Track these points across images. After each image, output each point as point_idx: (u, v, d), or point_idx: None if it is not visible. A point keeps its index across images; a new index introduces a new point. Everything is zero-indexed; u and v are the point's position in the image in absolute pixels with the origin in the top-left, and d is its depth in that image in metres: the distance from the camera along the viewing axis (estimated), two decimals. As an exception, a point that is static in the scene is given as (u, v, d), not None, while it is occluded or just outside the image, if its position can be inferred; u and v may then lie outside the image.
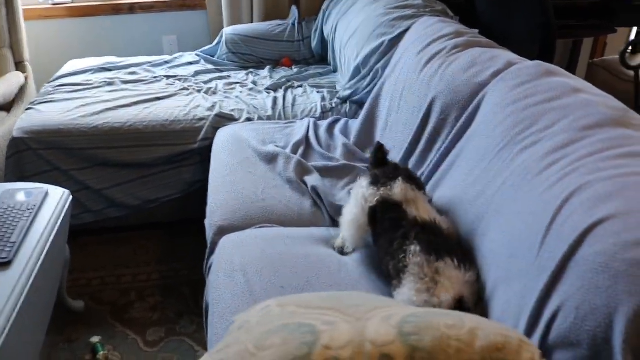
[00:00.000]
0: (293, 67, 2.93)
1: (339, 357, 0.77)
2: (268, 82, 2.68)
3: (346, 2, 2.78)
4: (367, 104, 2.18)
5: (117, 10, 3.27)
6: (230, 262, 1.49)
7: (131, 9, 3.27)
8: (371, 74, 2.30)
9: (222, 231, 1.68)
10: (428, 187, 1.62)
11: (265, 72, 2.86)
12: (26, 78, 2.92)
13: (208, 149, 2.29)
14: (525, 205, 1.16)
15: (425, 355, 0.73)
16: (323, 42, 3.00)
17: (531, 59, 1.61)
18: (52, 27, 3.25)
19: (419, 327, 0.76)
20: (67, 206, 1.86)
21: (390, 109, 2.02)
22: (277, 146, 2.06)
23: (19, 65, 2.97)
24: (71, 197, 1.90)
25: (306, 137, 2.11)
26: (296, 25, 3.05)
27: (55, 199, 1.85)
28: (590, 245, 0.94)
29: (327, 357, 0.77)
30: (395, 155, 1.83)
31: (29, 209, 1.75)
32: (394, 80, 2.07)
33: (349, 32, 2.55)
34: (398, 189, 1.41)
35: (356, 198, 1.49)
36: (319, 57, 3.07)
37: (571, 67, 3.51)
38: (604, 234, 0.93)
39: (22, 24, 2.98)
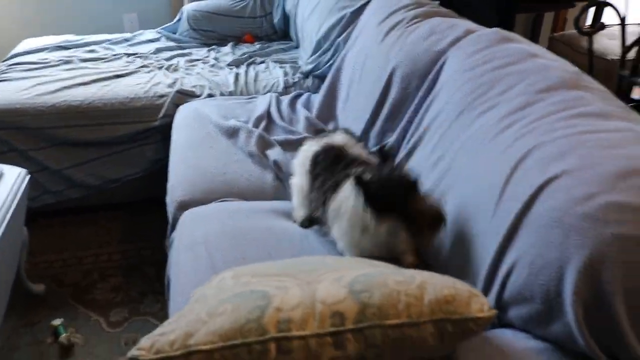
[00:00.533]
0: (255, 44, 2.89)
1: (290, 318, 0.76)
2: (230, 59, 2.64)
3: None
4: (328, 78, 2.17)
5: (71, -12, 3.18)
6: (191, 237, 1.47)
7: (87, -15, 3.19)
8: (332, 48, 2.28)
9: (183, 206, 1.65)
10: (398, 157, 1.62)
11: (227, 48, 2.81)
12: (-21, 57, 2.83)
13: (170, 126, 2.24)
14: (482, 168, 1.16)
15: (376, 310, 0.72)
16: (285, 17, 2.97)
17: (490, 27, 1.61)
18: (5, 4, 3.14)
19: (369, 285, 0.76)
20: (23, 186, 1.80)
21: (351, 81, 2.00)
22: (238, 121, 2.03)
23: (-29, 45, 2.88)
24: (28, 176, 1.85)
25: (268, 112, 2.08)
26: (258, 1, 3.00)
27: (10, 179, 1.79)
28: (543, 202, 0.95)
29: (278, 318, 0.77)
30: (356, 126, 1.82)
31: (-19, 191, 1.70)
32: (354, 53, 2.05)
33: (311, 7, 2.53)
34: (340, 136, 1.47)
35: (298, 164, 1.51)
36: (282, 33, 3.04)
37: (533, 41, 3.54)
38: (556, 190, 0.94)
39: (-27, 2, 2.88)
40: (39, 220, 2.37)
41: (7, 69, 2.51)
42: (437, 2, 2.03)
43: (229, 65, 2.57)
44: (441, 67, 1.56)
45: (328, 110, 2.08)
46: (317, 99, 2.16)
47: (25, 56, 2.65)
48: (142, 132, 2.26)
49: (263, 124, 2.00)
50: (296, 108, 2.14)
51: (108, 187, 2.32)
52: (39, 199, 2.27)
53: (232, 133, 1.96)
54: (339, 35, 2.26)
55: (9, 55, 2.71)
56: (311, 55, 2.39)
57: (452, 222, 1.19)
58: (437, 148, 1.38)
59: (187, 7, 2.94)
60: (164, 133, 2.28)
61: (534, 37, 3.54)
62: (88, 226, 2.39)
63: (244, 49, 2.81)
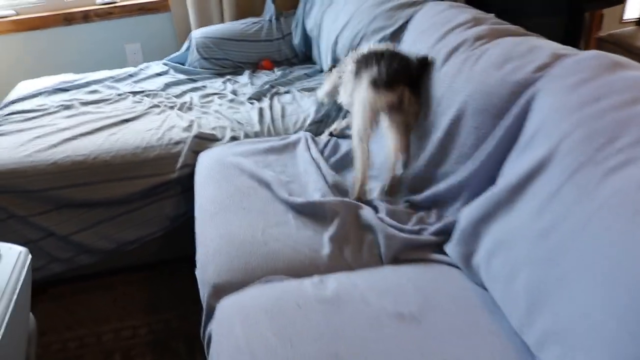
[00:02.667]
0: (275, 70, 2.60)
1: None
2: (250, 90, 2.35)
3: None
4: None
5: (69, 20, 2.89)
6: (233, 339, 1.17)
7: (86, 17, 2.90)
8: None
9: (219, 291, 1.36)
10: (466, 210, 1.32)
11: (244, 78, 2.52)
12: (-29, 107, 2.55)
13: (190, 176, 1.96)
14: (628, 257, 0.86)
15: None
16: (306, 38, 2.66)
17: (552, 34, 1.31)
18: (-3, 44, 2.87)
19: None
20: (25, 270, 1.51)
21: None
22: (273, 171, 1.74)
23: (-38, 93, 2.60)
24: (30, 256, 1.56)
25: (309, 157, 1.79)
26: (274, 21, 2.71)
27: (9, 263, 1.50)
28: None
29: None
30: (415, 165, 1.55)
31: (-24, 282, 1.41)
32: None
33: (338, 27, 2.23)
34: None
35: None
36: (303, 56, 2.74)
37: (575, 44, 3.23)
38: None
39: (-40, 45, 2.60)
40: (48, 290, 2.10)
41: (1, 120, 2.23)
42: (493, 15, 1.72)
43: (250, 99, 2.27)
44: (528, 103, 1.26)
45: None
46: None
47: (21, 103, 2.37)
48: (158, 186, 1.96)
49: (310, 173, 1.71)
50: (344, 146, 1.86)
51: (125, 249, 2.03)
52: (46, 268, 1.99)
53: (267, 188, 1.67)
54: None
55: (3, 102, 2.42)
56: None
57: (573, 325, 0.89)
58: (544, 213, 1.07)
59: (195, 34, 2.65)
60: (184, 184, 1.99)
61: (574, 39, 3.21)
62: (105, 293, 2.10)
63: (264, 77, 2.52)
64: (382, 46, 1.76)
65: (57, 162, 1.93)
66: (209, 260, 1.44)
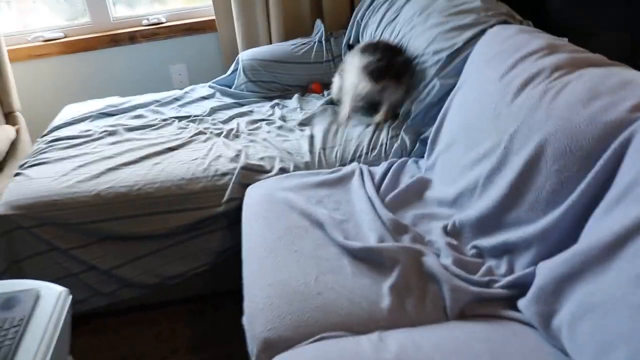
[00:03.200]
0: (325, 93, 2.48)
1: None
2: (299, 116, 2.23)
3: (386, 11, 2.32)
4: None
5: (116, 41, 2.85)
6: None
7: (132, 38, 2.86)
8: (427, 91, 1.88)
9: (270, 348, 1.24)
10: (547, 273, 1.17)
11: (293, 102, 2.41)
12: (17, 131, 2.53)
13: (237, 209, 1.86)
14: None
15: None
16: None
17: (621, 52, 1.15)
18: (44, 67, 2.85)
19: None
20: (65, 312, 1.43)
21: (465, 145, 1.56)
22: (325, 208, 1.62)
23: (9, 117, 2.60)
24: (70, 297, 1.47)
25: (364, 195, 1.66)
26: (323, 42, 2.59)
27: (49, 304, 1.42)
28: None
29: None
30: (481, 205, 1.40)
31: (14, 327, 1.32)
32: (462, 110, 1.62)
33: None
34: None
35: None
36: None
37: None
38: None
39: (9, 68, 2.60)
40: (90, 321, 2.03)
41: (46, 148, 2.18)
42: (567, 40, 1.56)
43: (300, 124, 2.16)
44: (623, 147, 1.10)
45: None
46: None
47: (65, 129, 2.32)
48: (203, 220, 1.87)
49: (362, 213, 1.58)
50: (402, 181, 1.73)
51: (169, 284, 1.94)
52: (87, 301, 1.92)
53: (319, 227, 1.55)
54: (434, 77, 1.84)
55: (49, 128, 2.38)
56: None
57: None
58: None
59: (243, 56, 2.56)
60: (231, 217, 1.89)
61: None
62: (148, 328, 2.01)
63: (313, 100, 2.40)
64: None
65: (100, 193, 1.85)
66: (259, 313, 1.32)
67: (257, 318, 1.31)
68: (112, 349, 1.94)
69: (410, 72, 1.98)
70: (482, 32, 1.76)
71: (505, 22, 1.78)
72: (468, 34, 1.78)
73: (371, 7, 2.46)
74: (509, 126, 1.37)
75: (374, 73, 1.99)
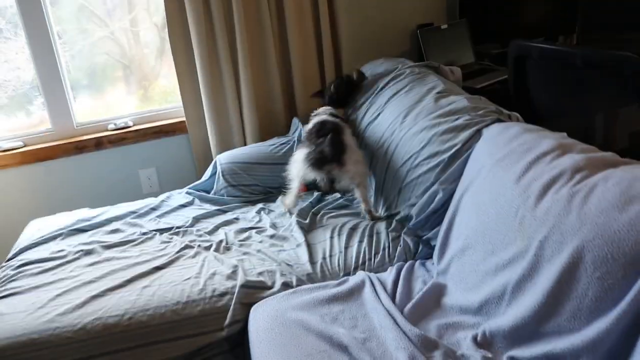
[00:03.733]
0: (314, 194, 2.41)
1: None
2: (293, 224, 2.14)
3: (368, 108, 2.32)
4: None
5: (81, 148, 2.73)
6: None
7: (98, 144, 2.74)
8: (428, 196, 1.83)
9: None
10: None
11: (279, 206, 2.33)
12: (-23, 255, 2.31)
13: (240, 332, 1.73)
14: None
15: None
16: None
17: None
18: (3, 179, 2.67)
19: None
20: None
21: (484, 250, 1.52)
22: (344, 327, 1.51)
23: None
24: None
25: (382, 308, 1.57)
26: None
27: None
28: None
29: None
30: (513, 313, 1.34)
31: None
32: (475, 213, 1.58)
33: (385, 153, 2.09)
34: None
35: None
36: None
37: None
38: None
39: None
40: None
41: (14, 275, 1.98)
42: (565, 134, 1.58)
43: (299, 225, 2.08)
44: (672, 254, 1.08)
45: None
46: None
47: (34, 250, 2.14)
48: (203, 347, 1.71)
49: (384, 329, 1.48)
50: (416, 288, 1.66)
51: (164, 420, 1.74)
52: None
53: (342, 350, 1.44)
54: (435, 182, 1.81)
55: (15, 249, 2.19)
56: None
57: None
58: None
59: (221, 159, 2.48)
60: (232, 341, 1.75)
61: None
62: None
63: (300, 203, 2.32)
64: (330, 119, 2.25)
65: (86, 327, 1.67)
66: None
67: None
68: None
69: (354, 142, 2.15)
70: (478, 131, 1.76)
71: (498, 120, 1.80)
72: (465, 134, 1.78)
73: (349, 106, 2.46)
74: (537, 232, 1.34)
75: (315, 163, 2.09)
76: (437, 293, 1.64)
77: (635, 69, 1.70)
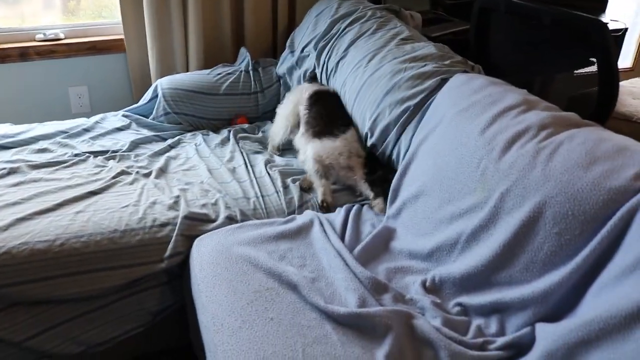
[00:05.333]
0: (259, 130, 2.32)
1: None
2: (236, 156, 2.05)
3: (331, 50, 2.22)
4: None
5: (3, 57, 2.46)
6: None
7: (23, 55, 2.49)
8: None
9: None
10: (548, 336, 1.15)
11: (222, 137, 2.22)
12: None
13: (180, 265, 1.66)
14: None
15: None
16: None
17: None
18: None
19: None
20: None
21: (440, 198, 1.52)
22: (292, 265, 1.49)
23: None
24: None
25: (331, 248, 1.55)
26: (251, 72, 2.44)
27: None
28: None
29: None
30: (466, 263, 1.37)
31: None
32: (433, 160, 1.57)
33: (348, 96, 2.03)
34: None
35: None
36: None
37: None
38: None
39: None
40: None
41: None
42: (525, 91, 1.59)
43: (240, 165, 1.99)
44: (630, 216, 1.11)
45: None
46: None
47: (-50, 165, 1.94)
48: (141, 278, 1.63)
49: (333, 270, 1.47)
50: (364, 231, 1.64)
51: (95, 350, 1.67)
52: (-9, 380, 1.59)
53: (292, 289, 1.41)
54: (400, 129, 1.78)
55: None
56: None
57: None
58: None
59: (163, 84, 2.32)
60: (171, 273, 1.68)
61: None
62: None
63: (244, 135, 2.24)
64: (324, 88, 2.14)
65: (11, 251, 1.54)
66: (246, 398, 1.15)
67: (245, 406, 1.15)
68: None
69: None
70: (444, 80, 1.73)
71: (465, 71, 1.77)
72: (431, 82, 1.74)
73: (313, 40, 2.34)
74: (500, 184, 1.34)
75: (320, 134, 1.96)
76: (386, 237, 1.63)
77: (600, 32, 1.72)
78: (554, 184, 1.24)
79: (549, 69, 2.11)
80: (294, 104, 2.13)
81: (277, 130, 2.15)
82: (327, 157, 1.87)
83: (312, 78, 2.31)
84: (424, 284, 1.47)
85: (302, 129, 2.04)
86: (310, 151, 1.91)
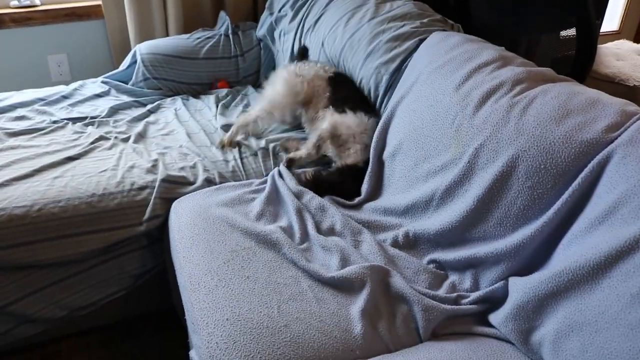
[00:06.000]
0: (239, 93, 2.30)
1: None
2: (217, 117, 2.04)
3: (308, 11, 2.19)
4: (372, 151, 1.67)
5: (-23, 25, 2.42)
6: None
7: (-1, 22, 2.44)
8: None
9: (242, 395, 1.10)
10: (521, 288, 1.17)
11: (201, 102, 2.22)
12: None
13: (159, 228, 1.66)
14: None
15: None
16: (272, 59, 2.40)
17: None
18: None
19: None
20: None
21: (415, 156, 1.52)
22: (269, 224, 1.49)
23: None
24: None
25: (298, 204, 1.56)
26: (230, 36, 2.41)
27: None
28: None
29: None
30: (440, 219, 1.38)
31: None
32: (409, 118, 1.57)
33: (330, 57, 2.00)
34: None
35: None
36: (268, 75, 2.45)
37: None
38: None
39: None
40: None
41: None
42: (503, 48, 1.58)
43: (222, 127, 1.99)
44: (601, 167, 1.12)
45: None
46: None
47: None
48: (120, 241, 1.64)
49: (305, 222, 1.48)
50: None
51: (77, 315, 1.68)
52: (-27, 345, 1.60)
53: (267, 247, 1.42)
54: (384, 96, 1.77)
55: None
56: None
57: None
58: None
59: (141, 49, 2.29)
60: (151, 236, 1.69)
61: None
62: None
63: (228, 99, 2.22)
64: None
65: (-10, 216, 1.54)
66: (222, 354, 1.17)
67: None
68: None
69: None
70: (422, 41, 1.72)
71: (443, 30, 1.75)
72: (409, 43, 1.72)
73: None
74: (473, 140, 1.34)
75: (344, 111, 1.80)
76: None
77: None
78: (526, 138, 1.24)
79: (530, 30, 2.09)
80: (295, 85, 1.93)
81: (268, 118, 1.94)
82: (343, 129, 1.75)
83: (302, 55, 2.16)
84: (395, 239, 1.48)
85: (321, 106, 1.89)
86: (329, 120, 1.79)
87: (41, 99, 2.14)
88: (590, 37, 1.75)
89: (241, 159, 1.83)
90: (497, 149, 1.29)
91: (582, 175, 1.14)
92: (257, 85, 2.40)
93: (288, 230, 1.48)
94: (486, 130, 1.32)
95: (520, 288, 1.19)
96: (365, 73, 1.80)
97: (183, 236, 1.49)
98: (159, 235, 1.69)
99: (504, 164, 1.26)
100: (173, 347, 1.78)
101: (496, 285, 1.28)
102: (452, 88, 1.45)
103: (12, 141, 1.87)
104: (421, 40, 1.72)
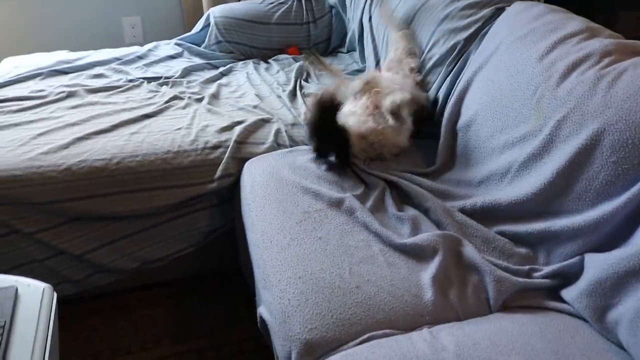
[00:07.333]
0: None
1: None
2: (289, 83, 2.06)
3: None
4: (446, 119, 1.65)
5: (58, -14, 2.51)
6: None
7: (78, -17, 2.52)
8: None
9: (312, 350, 1.13)
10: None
11: (273, 66, 2.23)
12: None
13: (229, 187, 1.70)
14: None
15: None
16: (342, 26, 2.38)
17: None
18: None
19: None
20: (52, 315, 1.22)
21: (492, 127, 1.49)
22: (342, 188, 1.51)
23: None
24: (55, 295, 1.27)
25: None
26: (303, 2, 2.40)
27: (32, 306, 1.21)
28: None
29: None
30: (515, 190, 1.36)
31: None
32: (487, 89, 1.54)
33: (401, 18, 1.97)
34: None
35: None
36: (339, 42, 2.45)
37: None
38: None
39: None
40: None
41: (-9, 110, 1.87)
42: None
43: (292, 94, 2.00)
44: (696, 143, 1.07)
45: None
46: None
47: (12, 88, 2.02)
48: (192, 198, 1.69)
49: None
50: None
51: (148, 267, 1.75)
52: (55, 289, 1.68)
53: (340, 210, 1.43)
54: (451, 67, 1.73)
55: (-12, 84, 2.05)
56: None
57: None
58: None
59: (215, 13, 2.32)
60: (221, 195, 1.73)
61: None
62: (123, 317, 1.82)
63: (295, 65, 2.23)
64: None
65: (71, 168, 1.62)
66: (293, 310, 1.19)
67: (292, 317, 1.19)
68: (84, 344, 1.73)
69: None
70: (499, 10, 1.67)
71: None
72: (485, 12, 1.68)
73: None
74: (556, 111, 1.31)
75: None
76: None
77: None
78: (614, 111, 1.19)
79: (608, 6, 2.00)
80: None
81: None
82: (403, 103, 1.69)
83: None
84: (463, 207, 1.46)
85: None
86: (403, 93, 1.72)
87: (117, 59, 2.21)
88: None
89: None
90: (581, 122, 1.25)
91: (673, 151, 1.10)
92: (329, 53, 2.40)
93: (360, 197, 1.48)
94: (570, 102, 1.28)
95: (599, 264, 1.16)
96: (438, 37, 1.77)
97: (256, 195, 1.52)
98: (229, 195, 1.73)
99: (588, 137, 1.22)
100: (236, 304, 1.83)
101: (571, 260, 1.25)
102: (535, 58, 1.41)
103: (91, 97, 1.95)
104: (498, 9, 1.68)
